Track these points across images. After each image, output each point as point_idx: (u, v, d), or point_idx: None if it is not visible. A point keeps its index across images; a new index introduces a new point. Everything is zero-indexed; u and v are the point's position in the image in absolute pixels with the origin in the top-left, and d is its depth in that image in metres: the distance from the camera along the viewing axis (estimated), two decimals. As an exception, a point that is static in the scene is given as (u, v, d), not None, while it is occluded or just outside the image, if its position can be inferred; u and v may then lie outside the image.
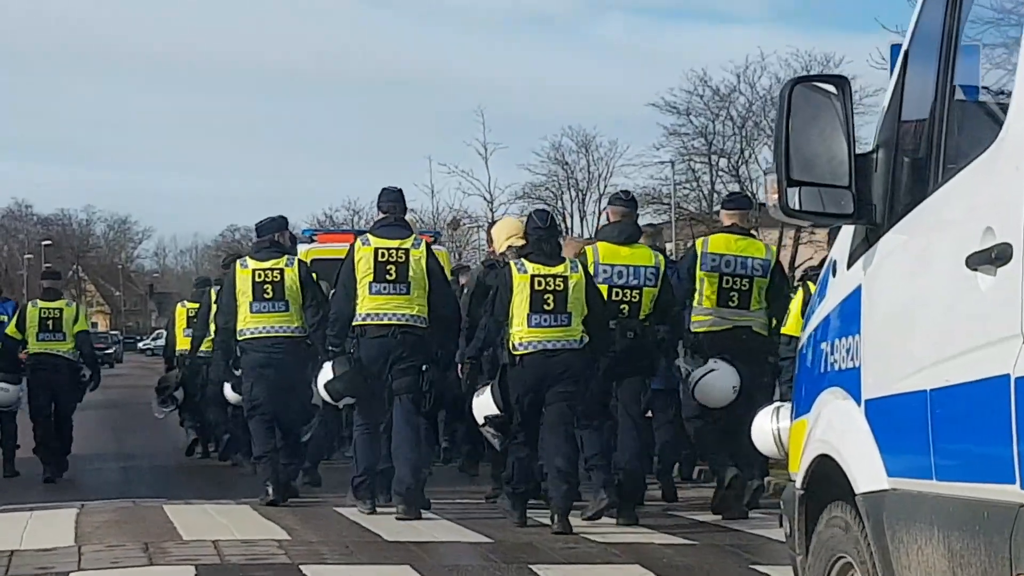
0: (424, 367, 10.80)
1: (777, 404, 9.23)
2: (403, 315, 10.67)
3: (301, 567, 8.52)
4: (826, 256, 11.04)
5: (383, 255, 10.68)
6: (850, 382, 4.75)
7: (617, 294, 10.51)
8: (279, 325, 11.80)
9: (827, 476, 4.89)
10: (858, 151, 4.61)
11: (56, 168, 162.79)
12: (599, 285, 10.38)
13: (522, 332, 10.08)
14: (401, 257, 10.70)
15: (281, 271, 11.80)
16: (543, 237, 10.35)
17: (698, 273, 11.02)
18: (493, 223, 18.41)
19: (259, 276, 11.81)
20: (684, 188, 55.89)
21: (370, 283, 10.65)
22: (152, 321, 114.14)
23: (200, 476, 16.35)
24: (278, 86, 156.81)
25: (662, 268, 10.68)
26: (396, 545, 9.47)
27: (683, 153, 55.54)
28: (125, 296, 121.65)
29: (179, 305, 18.38)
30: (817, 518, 5.02)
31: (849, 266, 4.93)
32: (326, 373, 10.94)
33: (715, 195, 55.53)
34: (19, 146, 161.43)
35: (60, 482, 15.42)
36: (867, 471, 4.50)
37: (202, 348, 15.87)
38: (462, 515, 11.14)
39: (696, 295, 11.03)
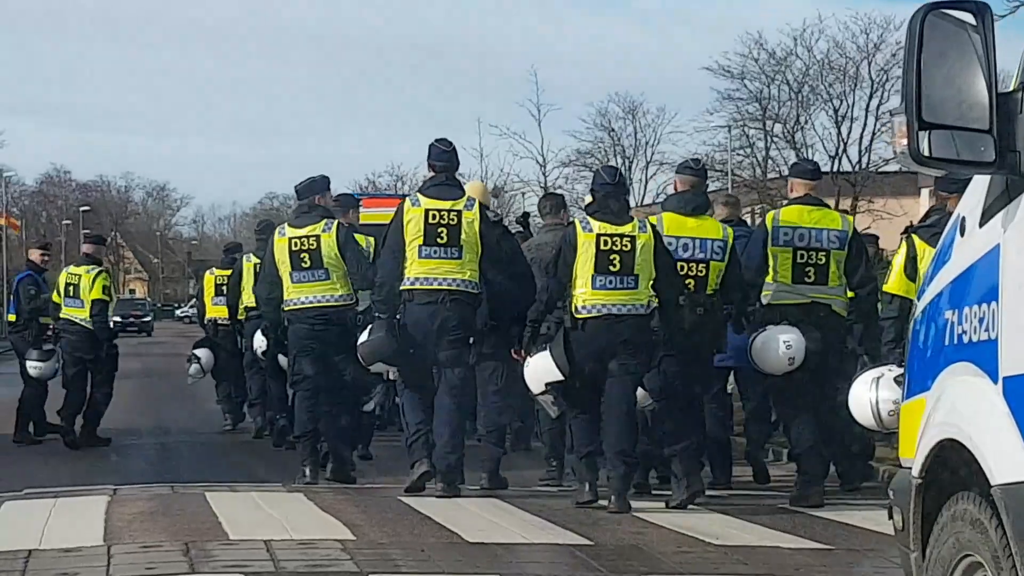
0: (471, 340, 10.28)
1: (877, 372, 8.88)
2: (454, 280, 10.05)
3: (371, 577, 7.12)
4: (930, 212, 10.03)
5: (434, 217, 10.03)
6: (984, 357, 4.18)
7: (682, 268, 9.86)
8: (321, 295, 11.10)
9: (951, 463, 4.36)
10: (1000, 90, 4.08)
11: (95, 135, 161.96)
12: None
13: (586, 294, 9.51)
14: (453, 219, 10.05)
15: (317, 238, 11.09)
16: (611, 194, 9.77)
17: (770, 249, 10.22)
18: (548, 192, 18.04)
19: (295, 244, 11.11)
20: (738, 155, 54.31)
21: (420, 246, 10.03)
22: (190, 288, 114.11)
23: (243, 454, 15.01)
24: (320, 51, 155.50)
25: (730, 242, 10.04)
26: (479, 548, 8.05)
27: (736, 119, 53.93)
28: (163, 263, 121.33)
29: (208, 273, 17.88)
30: (937, 511, 4.49)
31: (983, 223, 4.34)
32: (363, 336, 10.34)
33: (769, 162, 54.12)
34: (58, 112, 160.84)
35: (92, 460, 14.15)
36: (1007, 459, 3.97)
37: (223, 315, 16.24)
38: (546, 506, 9.73)
39: (770, 272, 10.23)
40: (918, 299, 5.01)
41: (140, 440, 16.22)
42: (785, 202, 10.80)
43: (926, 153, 4.04)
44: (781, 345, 9.95)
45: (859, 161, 52.34)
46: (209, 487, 10.60)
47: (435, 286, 10.01)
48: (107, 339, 15.57)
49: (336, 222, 11.30)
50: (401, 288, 10.10)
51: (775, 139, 54.06)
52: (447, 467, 10.02)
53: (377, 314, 10.32)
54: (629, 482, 9.66)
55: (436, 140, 10.48)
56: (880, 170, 53.93)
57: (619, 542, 8.37)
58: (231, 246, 19.19)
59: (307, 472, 11.11)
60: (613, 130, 61.93)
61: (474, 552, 7.91)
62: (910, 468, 4.63)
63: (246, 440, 16.30)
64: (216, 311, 17.00)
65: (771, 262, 10.19)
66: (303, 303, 11.08)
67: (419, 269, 10.03)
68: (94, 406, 15.41)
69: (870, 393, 8.83)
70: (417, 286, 10.04)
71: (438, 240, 9.99)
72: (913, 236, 9.63)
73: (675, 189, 10.51)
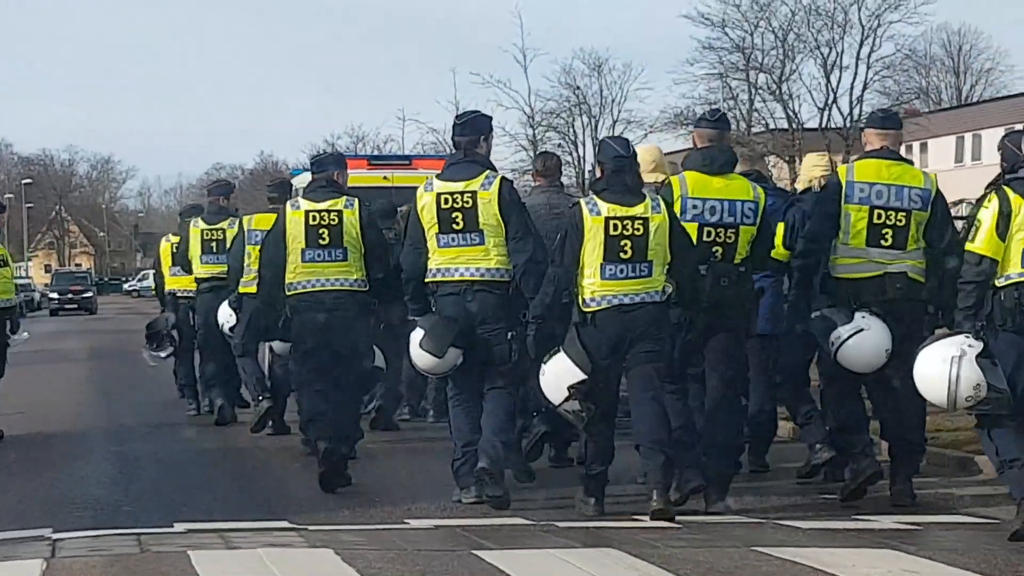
0: (510, 333, 9.38)
1: (957, 347, 7.90)
2: (478, 269, 9.33)
3: None
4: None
5: (446, 201, 9.34)
6: None
7: (709, 234, 9.15)
8: (336, 277, 10.26)
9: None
10: None
11: (38, 106, 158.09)
12: (687, 224, 9.02)
13: (595, 285, 8.80)
14: (467, 202, 9.33)
15: (339, 213, 10.32)
16: (623, 168, 8.90)
17: (843, 207, 9.35)
18: (545, 151, 16.95)
19: (313, 219, 10.28)
20: (721, 108, 51.56)
21: (437, 235, 9.38)
22: (137, 262, 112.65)
23: (224, 461, 11.90)
24: (268, 10, 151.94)
25: (762, 203, 9.30)
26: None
27: (716, 68, 51.36)
28: (109, 237, 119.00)
29: (164, 240, 16.26)
30: None
31: None
32: (417, 336, 9.48)
33: (754, 114, 51.57)
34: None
35: (23, 483, 10.84)
36: None
37: (184, 287, 15.22)
38: (686, 562, 6.64)
39: (841, 233, 9.36)
40: None
41: (89, 447, 12.82)
42: (857, 156, 9.67)
43: None
44: (882, 354, 9.14)
45: (850, 113, 49.93)
46: (192, 536, 7.42)
47: (457, 277, 9.33)
48: None
49: (358, 200, 10.48)
50: (427, 280, 9.45)
51: (759, 91, 51.69)
52: (491, 475, 9.05)
53: (411, 316, 9.84)
54: (671, 474, 8.72)
55: (460, 114, 9.85)
56: (872, 123, 51.50)
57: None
58: (188, 209, 16.77)
59: (321, 448, 10.11)
60: (579, 88, 59.37)
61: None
62: None
63: (220, 437, 13.36)
64: (175, 282, 15.59)
65: (842, 222, 9.34)
66: (313, 286, 10.20)
67: (440, 259, 9.40)
68: None
69: (950, 369, 7.91)
70: (440, 277, 9.40)
71: (454, 226, 9.30)
72: (1005, 189, 8.28)
73: (695, 145, 9.57)
